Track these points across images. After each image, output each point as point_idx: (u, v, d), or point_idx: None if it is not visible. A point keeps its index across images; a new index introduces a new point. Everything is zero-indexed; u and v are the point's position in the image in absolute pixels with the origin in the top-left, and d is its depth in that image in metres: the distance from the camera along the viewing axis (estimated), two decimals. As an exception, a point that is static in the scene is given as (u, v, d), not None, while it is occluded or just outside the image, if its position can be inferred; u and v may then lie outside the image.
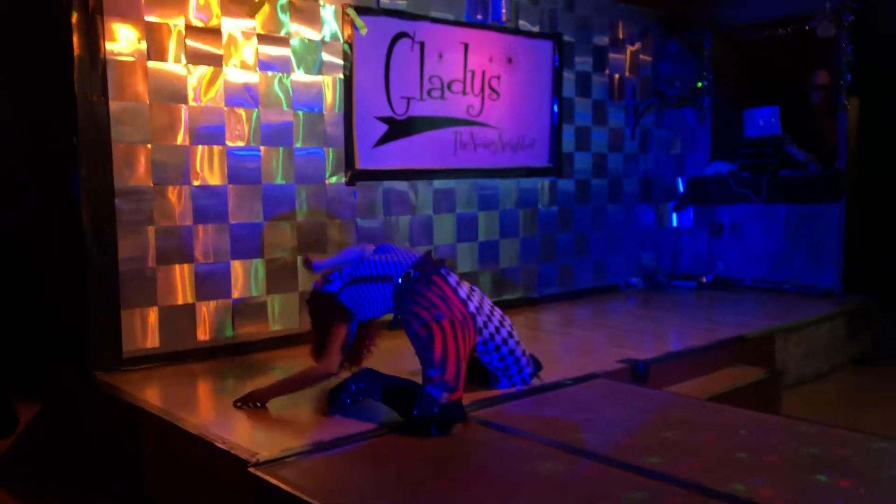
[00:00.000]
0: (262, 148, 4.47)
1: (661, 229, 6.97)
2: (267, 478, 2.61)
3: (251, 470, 2.67)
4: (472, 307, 3.32)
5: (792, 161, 6.19)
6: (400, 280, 3.30)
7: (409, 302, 3.25)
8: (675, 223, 7.05)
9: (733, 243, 6.74)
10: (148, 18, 4.03)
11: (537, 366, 3.62)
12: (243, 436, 3.05)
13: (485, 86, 5.53)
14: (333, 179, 4.77)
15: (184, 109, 4.17)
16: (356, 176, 4.85)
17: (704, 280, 6.64)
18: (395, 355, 3.74)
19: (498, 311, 3.50)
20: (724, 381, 4.22)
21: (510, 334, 3.46)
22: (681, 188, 6.98)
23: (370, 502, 2.43)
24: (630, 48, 6.53)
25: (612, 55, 6.37)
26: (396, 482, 2.60)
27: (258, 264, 4.49)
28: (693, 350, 4.41)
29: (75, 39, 3.85)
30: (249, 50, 4.38)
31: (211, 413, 3.57)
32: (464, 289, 3.38)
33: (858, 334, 5.75)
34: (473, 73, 5.45)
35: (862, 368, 5.54)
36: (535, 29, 5.78)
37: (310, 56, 4.62)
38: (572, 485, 2.55)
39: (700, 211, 6.95)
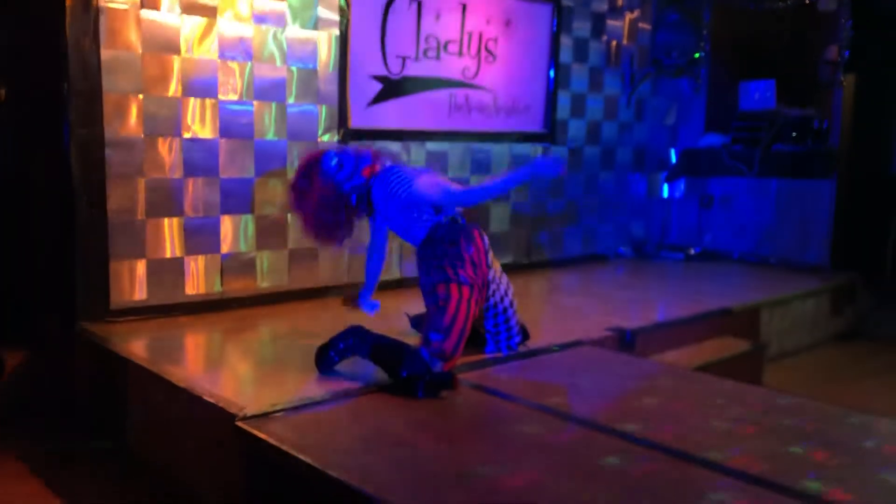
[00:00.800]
0: (254, 103, 4.41)
1: (652, 199, 6.98)
2: (254, 432, 2.62)
3: (238, 424, 2.68)
4: (492, 274, 3.31)
5: (786, 134, 6.17)
6: (443, 219, 3.24)
7: (442, 250, 3.13)
8: (665, 194, 7.06)
9: (723, 216, 6.76)
10: (142, -35, 3.95)
11: (525, 335, 3.62)
12: (231, 390, 3.06)
13: (481, 48, 5.47)
14: (326, 137, 4.73)
15: (176, 60, 4.10)
16: (349, 135, 4.81)
17: (692, 252, 6.67)
18: (382, 316, 3.73)
19: (505, 278, 3.47)
20: (709, 352, 4.26)
21: (511, 303, 3.46)
22: (673, 159, 6.97)
23: (356, 457, 2.45)
24: (629, 15, 6.46)
25: (610, 22, 6.31)
26: (382, 439, 2.62)
27: (248, 220, 4.46)
28: (680, 321, 4.44)
29: (68, -16, 3.77)
30: (244, 2, 4.30)
31: (198, 367, 3.58)
32: (490, 253, 3.34)
33: (843, 310, 5.80)
34: (470, 34, 5.38)
35: (845, 344, 5.60)
36: (535, -8, 5.71)
37: (305, 11, 4.54)
38: (555, 447, 2.58)
39: (691, 182, 6.96)
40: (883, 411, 3.07)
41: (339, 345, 3.18)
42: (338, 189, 3.32)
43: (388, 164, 3.43)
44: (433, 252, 3.16)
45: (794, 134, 6.16)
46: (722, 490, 2.24)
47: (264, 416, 2.74)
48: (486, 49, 5.50)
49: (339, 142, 4.76)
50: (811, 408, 3.03)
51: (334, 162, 3.32)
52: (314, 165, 3.36)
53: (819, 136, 6.12)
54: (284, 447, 2.50)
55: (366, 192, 3.37)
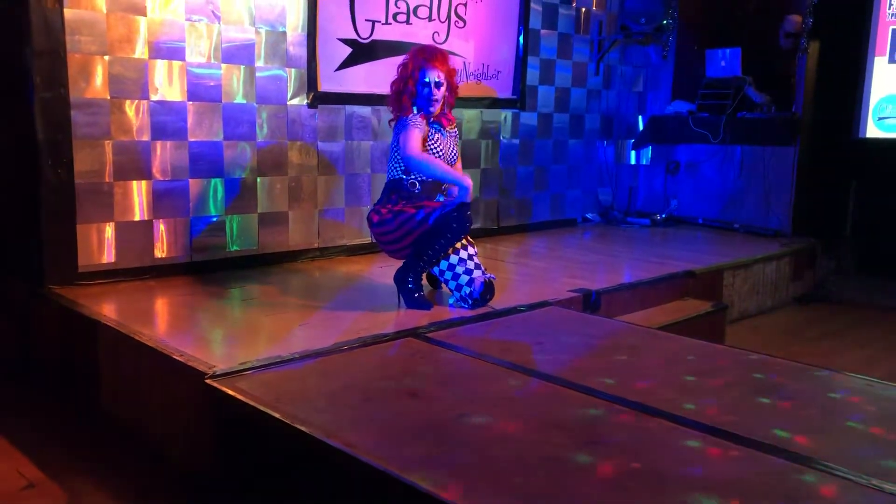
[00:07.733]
0: (223, 66, 4.39)
1: (620, 166, 7.05)
2: (224, 389, 2.66)
3: (208, 381, 2.72)
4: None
5: (749, 103, 6.28)
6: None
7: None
8: (633, 161, 7.14)
9: (688, 182, 6.86)
10: (105, -77, 3.89)
11: (487, 289, 3.71)
12: (200, 350, 3.08)
13: (451, 13, 5.46)
14: (295, 101, 4.72)
15: (142, 21, 4.06)
16: (318, 98, 4.81)
17: (659, 217, 6.77)
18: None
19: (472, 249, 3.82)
20: (672, 313, 4.36)
21: (456, 251, 3.70)
22: (641, 126, 7.04)
23: (324, 413, 2.49)
24: (598, -18, 6.48)
25: (579, -12, 6.33)
26: (351, 395, 2.66)
27: (217, 184, 4.45)
28: (644, 282, 4.53)
29: (28, -58, 3.70)
30: (211, -37, 4.26)
31: (168, 328, 3.59)
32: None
33: (802, 274, 5.94)
34: (440, -1, 5.38)
35: (804, 306, 5.75)
36: (504, -43, 5.70)
37: (273, -28, 4.51)
38: (523, 402, 2.65)
39: (658, 149, 7.04)
40: (839, 369, 3.18)
41: (408, 282, 3.68)
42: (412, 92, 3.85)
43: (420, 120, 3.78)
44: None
45: (757, 101, 6.25)
46: (691, 439, 2.32)
47: (234, 373, 2.77)
48: (456, 14, 5.49)
49: (309, 106, 4.76)
50: (775, 363, 3.12)
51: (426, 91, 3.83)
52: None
53: (783, 103, 6.22)
54: (253, 403, 2.54)
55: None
